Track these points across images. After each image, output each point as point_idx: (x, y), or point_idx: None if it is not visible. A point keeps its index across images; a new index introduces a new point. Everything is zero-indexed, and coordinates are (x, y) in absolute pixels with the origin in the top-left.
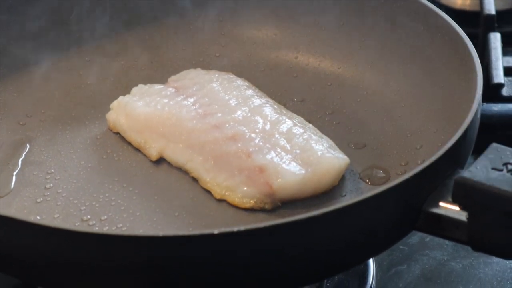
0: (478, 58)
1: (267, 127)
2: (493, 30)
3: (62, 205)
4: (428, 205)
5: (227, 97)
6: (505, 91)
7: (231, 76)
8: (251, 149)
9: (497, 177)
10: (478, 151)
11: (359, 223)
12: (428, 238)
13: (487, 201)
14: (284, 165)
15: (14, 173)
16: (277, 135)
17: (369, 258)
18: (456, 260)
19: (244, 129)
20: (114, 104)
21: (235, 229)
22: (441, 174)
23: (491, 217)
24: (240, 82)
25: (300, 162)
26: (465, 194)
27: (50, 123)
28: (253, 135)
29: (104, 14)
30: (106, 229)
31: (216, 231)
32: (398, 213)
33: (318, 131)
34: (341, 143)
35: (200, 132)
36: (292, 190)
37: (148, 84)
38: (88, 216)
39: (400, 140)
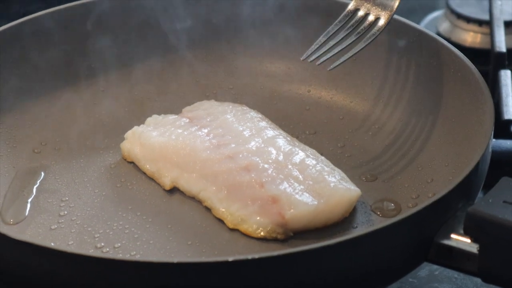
0: (489, 94)
1: (280, 158)
2: (504, 68)
3: (76, 232)
4: (440, 237)
5: (241, 128)
6: None
7: (245, 108)
8: (264, 180)
9: (508, 210)
10: (488, 187)
11: (371, 253)
12: (438, 271)
13: (498, 234)
14: (296, 196)
15: (29, 200)
16: (290, 166)
17: None
18: None
19: (257, 159)
20: (129, 133)
21: (249, 257)
22: (452, 207)
23: (502, 249)
24: (253, 114)
25: (312, 193)
26: (477, 226)
27: (64, 152)
28: (266, 165)
29: (119, 45)
30: (120, 256)
31: (230, 259)
32: (409, 244)
33: (330, 163)
34: (353, 176)
35: (213, 162)
36: (305, 221)
37: (163, 115)
38: (102, 244)
39: (411, 173)
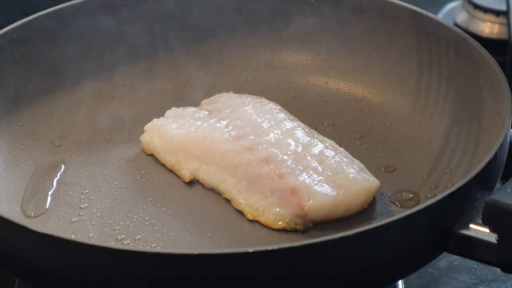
0: (507, 84)
1: (299, 149)
2: None
3: (97, 224)
4: (458, 227)
5: (260, 120)
6: None
7: (263, 100)
8: (283, 171)
9: None
10: (506, 177)
11: (390, 244)
12: (457, 261)
13: None
14: (316, 187)
15: (49, 192)
16: (309, 157)
17: (399, 279)
18: (484, 283)
19: (276, 151)
20: (148, 126)
21: (269, 248)
22: (471, 197)
23: None
24: (272, 105)
25: (331, 184)
26: (495, 216)
27: (84, 145)
28: (285, 157)
29: (138, 39)
30: (140, 248)
31: (250, 250)
32: (428, 235)
33: (349, 154)
34: (372, 167)
35: (233, 154)
36: (324, 212)
37: (182, 107)
38: (123, 236)
39: (429, 164)
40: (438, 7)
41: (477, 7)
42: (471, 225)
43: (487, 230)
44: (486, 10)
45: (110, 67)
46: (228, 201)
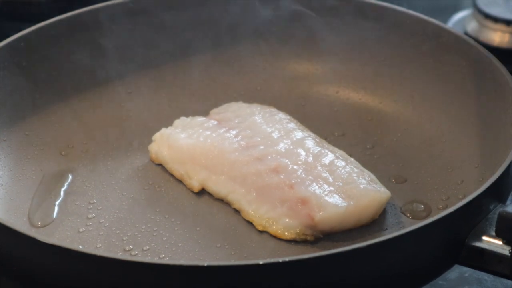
0: None
1: (310, 159)
2: None
3: (105, 235)
4: (471, 239)
5: (270, 130)
6: None
7: (273, 109)
8: (293, 181)
9: None
10: None
11: (401, 256)
12: (467, 273)
13: None
14: (326, 198)
15: (57, 202)
16: (319, 168)
17: None
18: None
19: (286, 161)
20: (157, 136)
21: (280, 259)
22: (483, 209)
23: None
24: (282, 115)
25: (342, 194)
26: (509, 228)
27: (92, 154)
28: (295, 167)
29: (146, 47)
30: (148, 259)
31: (261, 262)
32: (440, 247)
33: (359, 164)
34: (382, 178)
35: (242, 164)
36: (334, 222)
37: (190, 117)
38: (131, 246)
39: (441, 175)
40: (447, 16)
41: (488, 16)
42: (484, 237)
43: (500, 243)
44: (496, 19)
45: (118, 76)
46: (237, 211)
